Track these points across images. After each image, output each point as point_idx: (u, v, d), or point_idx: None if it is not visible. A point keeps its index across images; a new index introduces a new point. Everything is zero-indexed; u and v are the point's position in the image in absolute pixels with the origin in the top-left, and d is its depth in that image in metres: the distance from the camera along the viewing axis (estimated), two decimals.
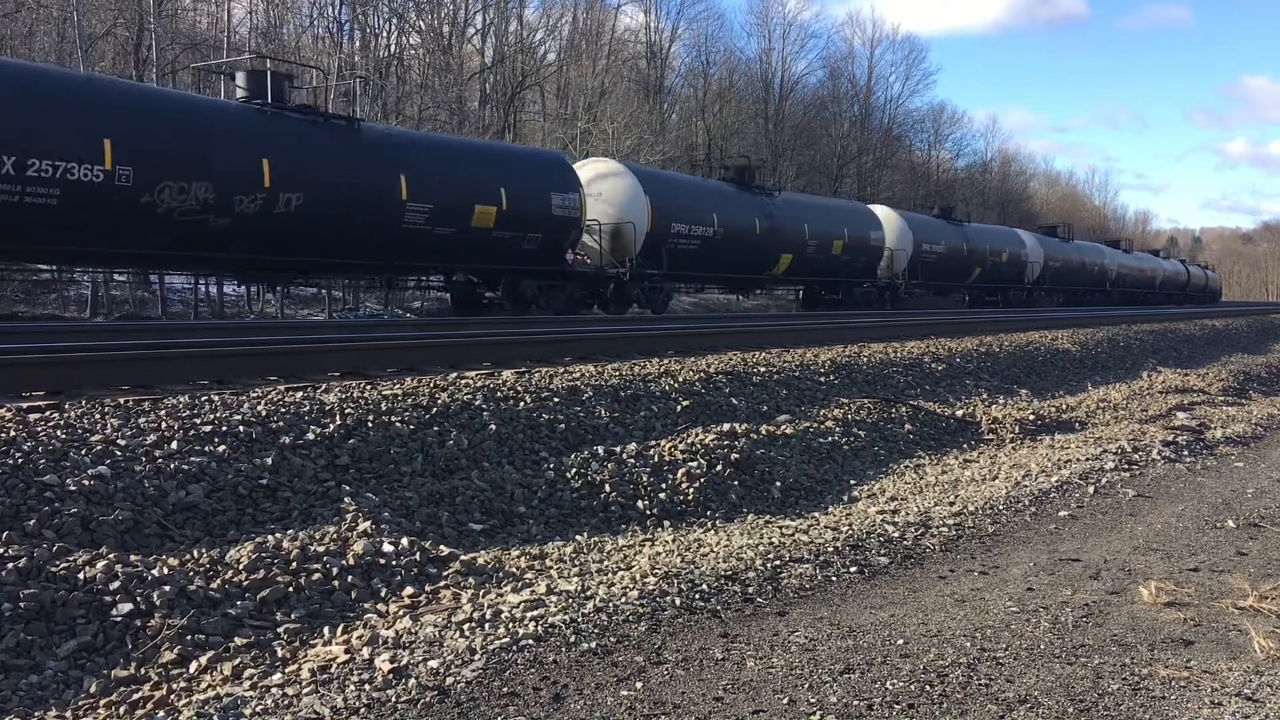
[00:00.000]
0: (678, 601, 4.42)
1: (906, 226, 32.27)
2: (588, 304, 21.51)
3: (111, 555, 4.24)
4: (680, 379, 9.07)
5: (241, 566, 4.40)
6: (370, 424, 6.32)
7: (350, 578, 4.52)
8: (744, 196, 25.71)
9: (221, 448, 5.54)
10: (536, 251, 19.32)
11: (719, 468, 7.07)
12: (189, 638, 3.89)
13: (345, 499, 5.41)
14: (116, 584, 4.04)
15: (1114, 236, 65.42)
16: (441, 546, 5.02)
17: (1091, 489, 7.22)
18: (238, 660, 3.79)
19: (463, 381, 7.69)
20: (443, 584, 4.62)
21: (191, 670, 3.72)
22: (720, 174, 27.86)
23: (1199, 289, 64.10)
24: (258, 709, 3.35)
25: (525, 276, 19.31)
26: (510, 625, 4.07)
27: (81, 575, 4.07)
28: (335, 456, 5.91)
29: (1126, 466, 8.06)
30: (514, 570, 4.93)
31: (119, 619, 3.92)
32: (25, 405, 5.82)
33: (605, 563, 5.17)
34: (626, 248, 21.70)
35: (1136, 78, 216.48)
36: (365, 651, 3.81)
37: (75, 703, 3.49)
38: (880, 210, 32.38)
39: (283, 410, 6.21)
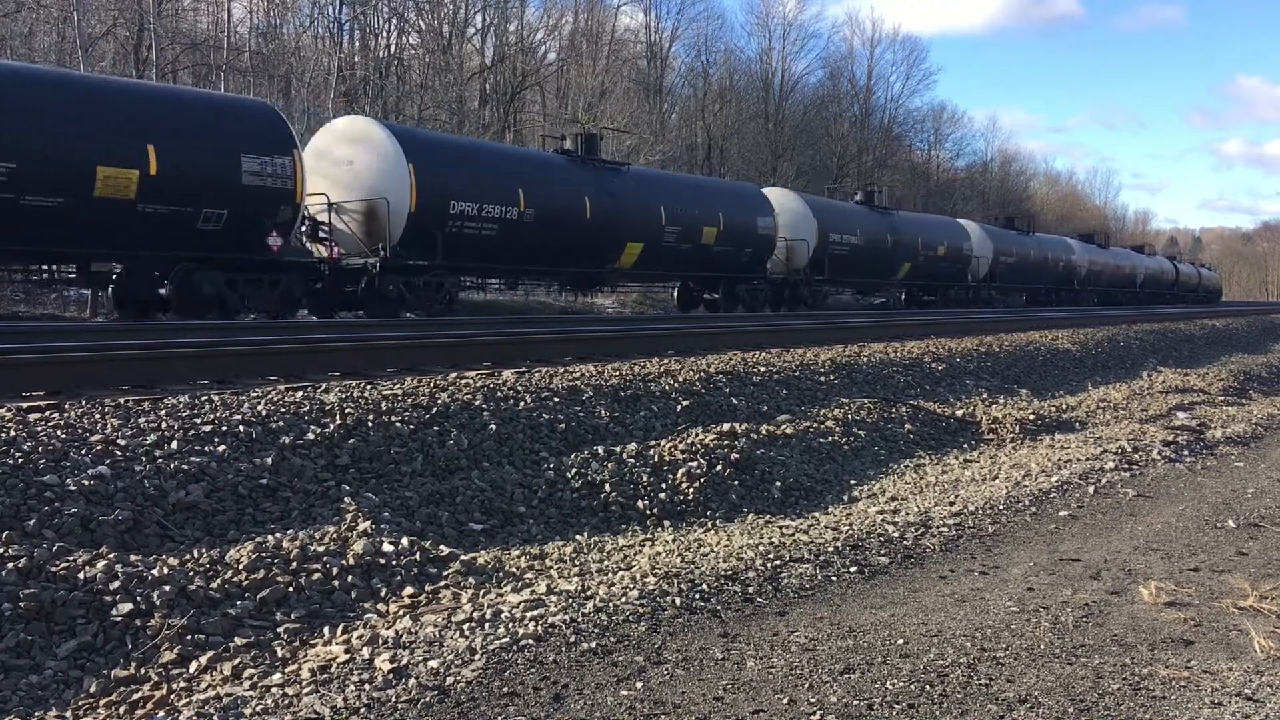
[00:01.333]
0: (678, 601, 4.42)
1: (809, 213, 27.39)
2: (351, 305, 17.07)
3: (111, 555, 4.24)
4: (680, 379, 9.07)
5: (241, 566, 4.40)
6: (370, 424, 6.32)
7: (350, 578, 4.52)
8: (573, 171, 20.66)
9: (221, 448, 5.54)
10: (220, 234, 14.61)
11: (719, 468, 7.07)
12: (189, 638, 3.89)
13: (345, 499, 5.41)
14: (116, 584, 4.04)
15: (1104, 233, 59.09)
16: (441, 546, 5.02)
17: (1091, 489, 7.22)
18: (238, 660, 3.79)
19: (463, 381, 7.69)
20: (443, 584, 4.62)
21: (191, 670, 3.72)
22: (555, 144, 23.16)
23: (1189, 288, 59.39)
24: (258, 709, 3.35)
25: (205, 268, 14.66)
26: (510, 625, 4.07)
27: (81, 575, 4.07)
28: (335, 456, 5.91)
29: (1127, 466, 8.06)
30: (514, 570, 4.93)
31: (119, 619, 3.92)
32: (25, 405, 5.82)
33: (605, 563, 5.17)
34: (381, 232, 16.83)
35: (1132, 78, 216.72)
36: (365, 651, 3.81)
37: (75, 703, 3.49)
38: (775, 193, 27.66)
39: (283, 410, 6.21)
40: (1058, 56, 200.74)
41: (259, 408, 6.18)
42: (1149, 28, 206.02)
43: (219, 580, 4.28)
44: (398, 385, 7.28)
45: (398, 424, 6.44)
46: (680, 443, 7.32)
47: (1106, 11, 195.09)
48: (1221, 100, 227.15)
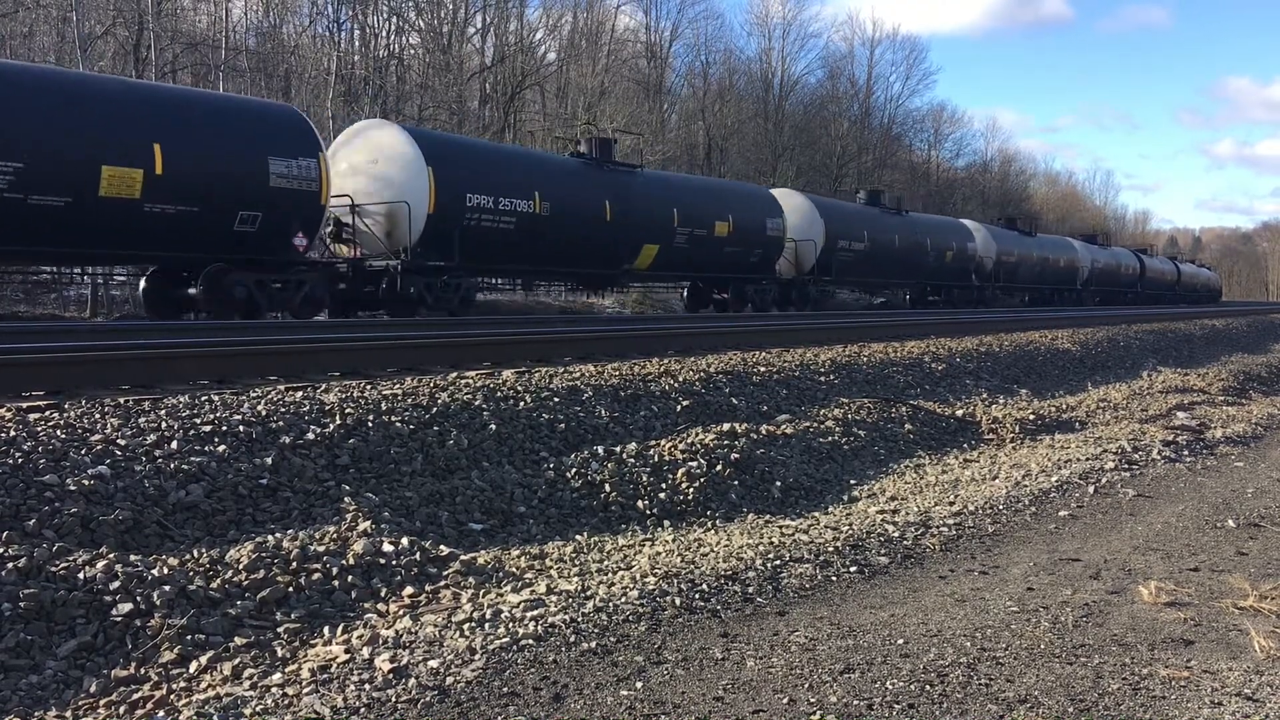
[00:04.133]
0: (678, 601, 4.42)
1: (421, 161, 16.55)
2: None
3: (111, 555, 4.24)
4: (680, 379, 9.07)
5: (241, 566, 4.40)
6: (370, 424, 6.32)
7: (350, 577, 4.52)
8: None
9: (221, 448, 5.53)
10: None
11: (719, 467, 7.06)
12: (189, 637, 3.89)
13: (345, 499, 5.41)
14: (116, 584, 4.04)
15: (1030, 219, 44.73)
16: (441, 546, 5.02)
17: (1091, 489, 7.22)
18: (238, 660, 3.79)
19: (463, 381, 7.68)
20: (443, 584, 4.62)
21: (191, 670, 3.72)
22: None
23: (1164, 286, 49.89)
24: (258, 709, 3.35)
25: None
26: (510, 625, 4.07)
27: (81, 575, 4.07)
28: (335, 456, 5.90)
29: (1126, 466, 8.06)
30: (514, 570, 4.93)
31: (119, 619, 3.92)
32: (25, 405, 5.82)
33: (605, 562, 5.17)
34: None
35: (1122, 79, 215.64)
36: (365, 651, 3.81)
37: (75, 703, 3.49)
38: (366, 128, 17.97)
39: (283, 410, 6.21)
40: (1047, 57, 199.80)
41: (259, 408, 6.18)
42: (1135, 28, 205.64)
43: (219, 580, 4.28)
44: (398, 385, 7.28)
45: (398, 424, 6.44)
46: (680, 443, 7.32)
47: (1093, 13, 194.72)
48: (1211, 101, 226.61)
